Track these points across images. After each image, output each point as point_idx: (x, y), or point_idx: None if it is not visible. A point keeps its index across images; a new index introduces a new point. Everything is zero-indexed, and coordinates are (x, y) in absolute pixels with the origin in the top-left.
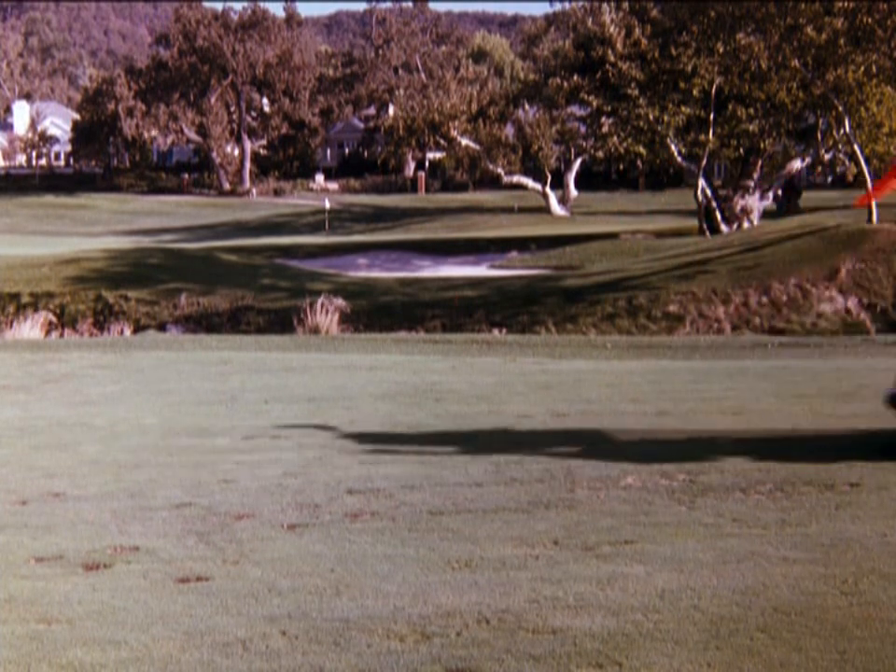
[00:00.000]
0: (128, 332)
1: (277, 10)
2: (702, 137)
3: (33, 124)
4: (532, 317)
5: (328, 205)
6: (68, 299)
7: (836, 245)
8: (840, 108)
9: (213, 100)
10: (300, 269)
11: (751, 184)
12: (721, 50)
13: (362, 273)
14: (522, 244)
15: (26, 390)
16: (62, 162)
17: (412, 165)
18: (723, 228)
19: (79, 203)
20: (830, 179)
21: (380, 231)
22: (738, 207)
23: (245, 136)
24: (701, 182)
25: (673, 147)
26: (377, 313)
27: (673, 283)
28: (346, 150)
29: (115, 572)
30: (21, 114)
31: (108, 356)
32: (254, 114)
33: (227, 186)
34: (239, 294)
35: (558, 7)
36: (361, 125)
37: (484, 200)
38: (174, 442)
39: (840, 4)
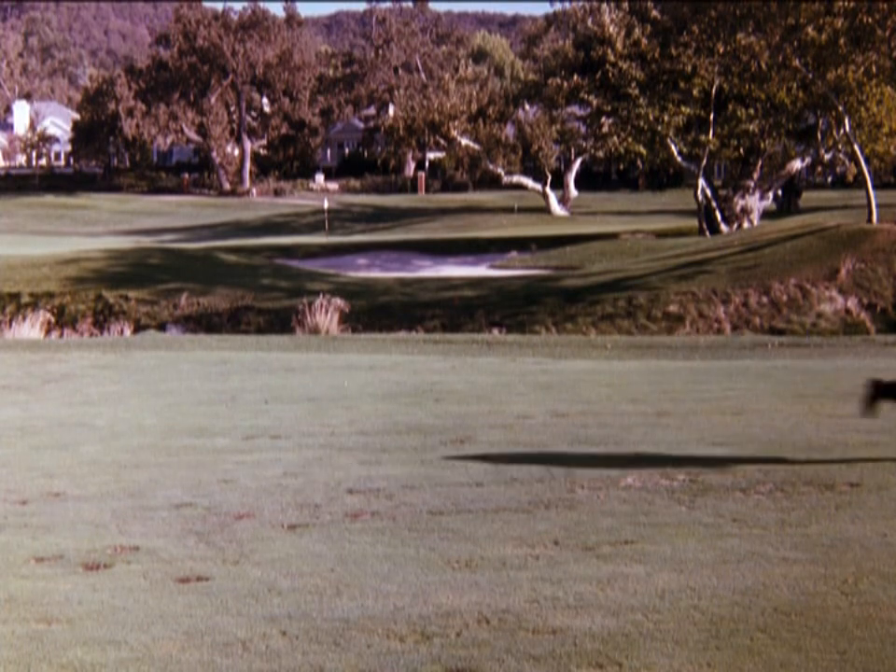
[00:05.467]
0: (128, 332)
1: (277, 10)
2: (702, 137)
3: (33, 124)
4: (532, 317)
5: (327, 205)
6: (68, 299)
7: (836, 244)
8: (840, 108)
9: (213, 100)
10: (299, 269)
11: (751, 184)
12: (721, 50)
13: (362, 274)
14: (522, 244)
15: (26, 390)
16: (62, 162)
17: (412, 165)
18: (723, 228)
19: (79, 202)
20: (830, 179)
21: (380, 231)
22: (738, 207)
23: (244, 136)
24: (701, 182)
25: (673, 146)
26: (377, 313)
27: (673, 283)
28: (346, 150)
29: (115, 572)
30: (21, 114)
31: (108, 356)
32: (254, 114)
33: (227, 186)
34: (239, 294)
35: (558, 7)
36: (361, 125)
37: (484, 200)
38: (174, 442)
39: (840, 3)
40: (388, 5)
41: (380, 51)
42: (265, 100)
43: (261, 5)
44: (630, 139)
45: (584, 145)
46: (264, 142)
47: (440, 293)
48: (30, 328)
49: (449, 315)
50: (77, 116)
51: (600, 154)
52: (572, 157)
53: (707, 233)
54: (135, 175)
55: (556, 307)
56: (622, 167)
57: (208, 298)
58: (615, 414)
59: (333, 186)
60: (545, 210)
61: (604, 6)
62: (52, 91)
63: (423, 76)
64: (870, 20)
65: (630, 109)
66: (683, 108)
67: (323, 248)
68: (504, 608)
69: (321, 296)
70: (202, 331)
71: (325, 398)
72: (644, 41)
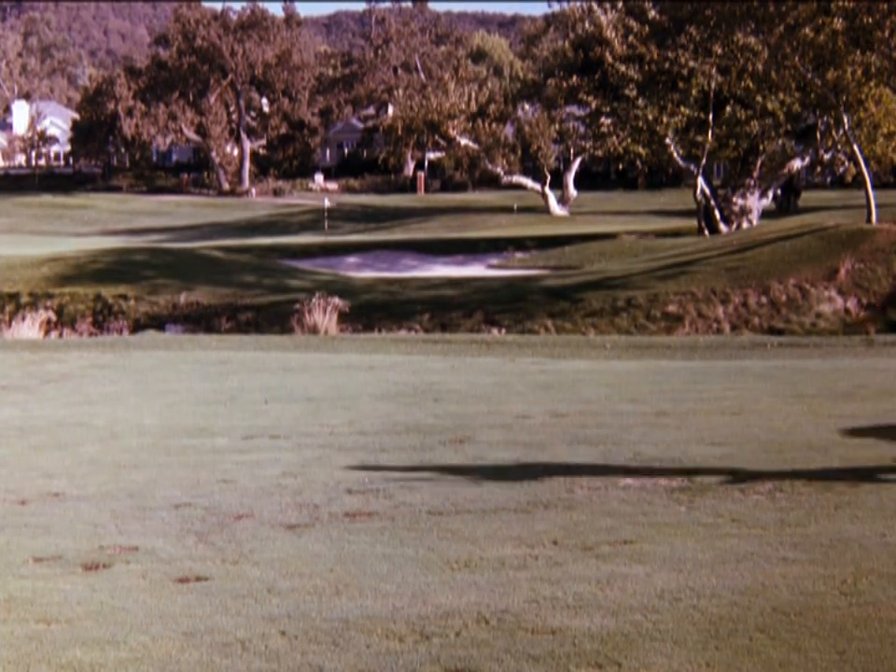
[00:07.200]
0: (127, 332)
1: (276, 10)
2: (699, 138)
3: (32, 124)
4: (531, 317)
5: (327, 205)
6: (67, 298)
7: (836, 245)
8: (841, 108)
9: (212, 100)
10: (299, 268)
11: (751, 184)
12: (719, 52)
13: (361, 273)
14: (521, 243)
15: (26, 390)
16: (61, 162)
17: (411, 165)
18: (723, 228)
19: (79, 202)
20: (829, 179)
21: (379, 231)
22: (737, 207)
23: (244, 136)
24: (700, 182)
25: (672, 147)
26: (376, 312)
27: (672, 283)
28: (346, 150)
29: (114, 572)
30: (21, 114)
31: (107, 355)
32: (253, 114)
33: (226, 186)
34: (238, 294)
35: (556, 7)
36: (361, 125)
37: (484, 200)
38: (173, 442)
39: (839, 3)
40: (388, 5)
41: (379, 51)
42: (264, 100)
43: (260, 5)
44: (629, 139)
45: (583, 145)
46: (263, 142)
47: (439, 293)
48: (29, 327)
49: (448, 314)
50: (76, 116)
51: (599, 154)
52: (571, 157)
53: (707, 233)
54: (134, 174)
55: (555, 307)
56: (621, 167)
57: (207, 297)
58: (614, 414)
59: (333, 186)
60: (544, 210)
61: (599, 7)
62: (52, 90)
63: (422, 75)
64: (869, 20)
65: (629, 110)
66: (682, 109)
67: (322, 248)
68: (503, 608)
69: (319, 295)
70: (200, 331)
71: (324, 397)
72: (642, 42)
